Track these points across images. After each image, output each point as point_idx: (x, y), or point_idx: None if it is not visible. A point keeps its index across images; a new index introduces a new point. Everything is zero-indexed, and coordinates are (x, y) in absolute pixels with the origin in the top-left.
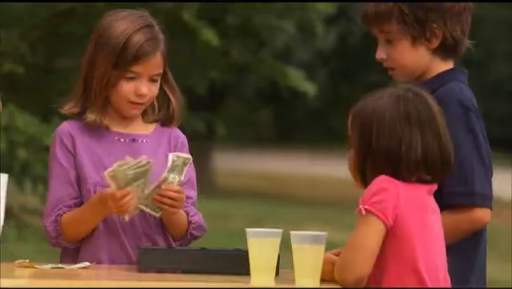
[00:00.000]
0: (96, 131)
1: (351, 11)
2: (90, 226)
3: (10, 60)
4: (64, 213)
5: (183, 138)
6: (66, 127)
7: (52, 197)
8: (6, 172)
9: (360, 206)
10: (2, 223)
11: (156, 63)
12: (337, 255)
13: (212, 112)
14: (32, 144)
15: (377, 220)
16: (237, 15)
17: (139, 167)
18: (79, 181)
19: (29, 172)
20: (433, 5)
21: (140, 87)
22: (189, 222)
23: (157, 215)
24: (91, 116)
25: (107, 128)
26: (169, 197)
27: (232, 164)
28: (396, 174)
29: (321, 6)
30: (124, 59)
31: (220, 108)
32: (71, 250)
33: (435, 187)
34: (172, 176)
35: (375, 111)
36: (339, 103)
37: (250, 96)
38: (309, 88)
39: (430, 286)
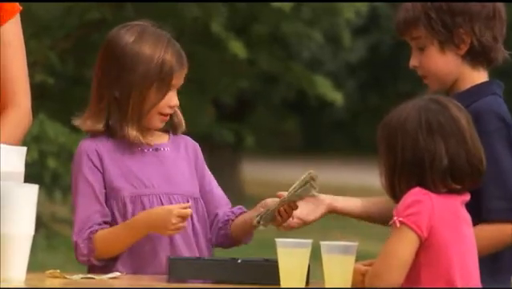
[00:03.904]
0: (118, 145)
1: (382, 20)
2: (126, 246)
3: (40, 70)
4: (97, 231)
5: (198, 146)
6: (90, 144)
7: (82, 213)
8: (36, 182)
9: (395, 218)
10: (32, 233)
11: (184, 74)
12: (367, 266)
13: (239, 122)
14: (62, 153)
15: (411, 232)
16: (265, 24)
17: (304, 183)
18: (110, 196)
19: (59, 182)
20: (460, 10)
21: (173, 98)
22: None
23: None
24: (131, 132)
25: (149, 145)
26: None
27: (260, 173)
28: (424, 185)
29: (348, 13)
30: (165, 80)
31: (247, 118)
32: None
33: (468, 197)
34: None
35: (398, 123)
36: (367, 112)
37: (278, 106)
38: (336, 97)
39: None
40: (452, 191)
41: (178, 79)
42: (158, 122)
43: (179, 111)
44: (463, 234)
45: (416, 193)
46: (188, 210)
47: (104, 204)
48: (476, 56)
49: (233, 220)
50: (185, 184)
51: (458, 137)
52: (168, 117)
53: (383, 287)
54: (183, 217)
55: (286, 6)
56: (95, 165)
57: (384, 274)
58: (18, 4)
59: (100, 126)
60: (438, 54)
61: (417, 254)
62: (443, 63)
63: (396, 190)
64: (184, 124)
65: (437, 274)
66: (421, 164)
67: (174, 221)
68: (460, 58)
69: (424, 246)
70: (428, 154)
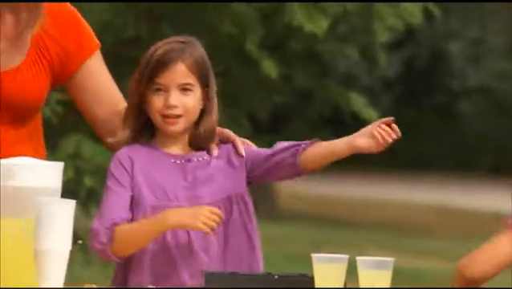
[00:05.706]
0: (153, 153)
1: (418, 35)
2: (143, 241)
3: None
4: (119, 224)
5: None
6: (125, 150)
7: (108, 206)
8: (72, 198)
9: (508, 218)
10: (70, 248)
11: (179, 72)
12: None
13: (275, 136)
14: (99, 171)
15: None
16: (300, 43)
17: None
18: (134, 202)
19: (94, 197)
20: None
21: (168, 97)
22: None
23: None
24: (123, 134)
25: (157, 149)
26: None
27: (294, 187)
28: None
29: (382, 36)
30: (149, 72)
31: (283, 131)
32: (122, 273)
33: None
34: None
35: None
36: (402, 127)
37: (314, 121)
38: (372, 115)
39: None
40: None
41: (170, 76)
42: (165, 124)
43: (209, 121)
44: None
45: None
46: (217, 216)
47: (129, 204)
48: None
49: (304, 149)
50: (210, 196)
51: None
52: (175, 119)
53: (470, 274)
54: (214, 215)
55: (320, 30)
56: (125, 169)
57: (477, 263)
58: (96, 40)
59: (123, 135)
60: None
61: None
62: None
63: None
64: (210, 137)
65: None
66: None
67: (207, 213)
68: None
69: None
70: None
